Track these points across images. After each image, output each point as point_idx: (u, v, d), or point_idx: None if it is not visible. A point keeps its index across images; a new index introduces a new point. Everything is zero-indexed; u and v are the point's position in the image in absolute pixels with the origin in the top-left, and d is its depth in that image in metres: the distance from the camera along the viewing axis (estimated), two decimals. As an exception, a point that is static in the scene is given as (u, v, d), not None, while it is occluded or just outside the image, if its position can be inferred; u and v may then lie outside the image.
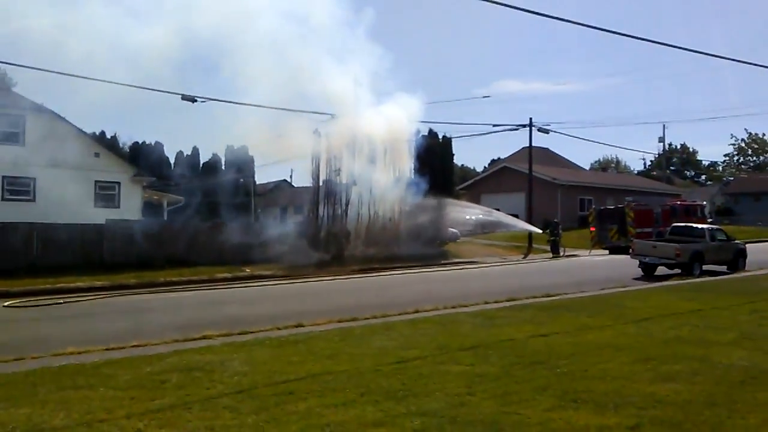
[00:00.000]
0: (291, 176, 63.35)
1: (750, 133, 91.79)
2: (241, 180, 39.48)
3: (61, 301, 17.14)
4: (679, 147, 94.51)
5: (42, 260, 22.42)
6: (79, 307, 16.59)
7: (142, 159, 33.52)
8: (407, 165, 31.84)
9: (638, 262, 22.56)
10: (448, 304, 14.00)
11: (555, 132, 46.53)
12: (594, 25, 12.13)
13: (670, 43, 29.27)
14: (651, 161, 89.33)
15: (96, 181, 29.30)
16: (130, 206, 29.81)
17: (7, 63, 22.22)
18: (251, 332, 10.88)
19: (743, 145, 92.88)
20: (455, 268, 26.87)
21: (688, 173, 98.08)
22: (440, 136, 35.90)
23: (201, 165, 40.90)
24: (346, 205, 29.26)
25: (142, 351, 9.46)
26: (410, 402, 6.48)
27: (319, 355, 8.80)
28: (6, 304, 16.46)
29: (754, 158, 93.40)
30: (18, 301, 17.08)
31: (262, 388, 7.12)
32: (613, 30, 13.05)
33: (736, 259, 23.47)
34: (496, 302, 14.37)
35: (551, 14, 11.12)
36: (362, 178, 30.12)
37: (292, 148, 28.36)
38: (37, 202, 26.64)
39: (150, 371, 7.99)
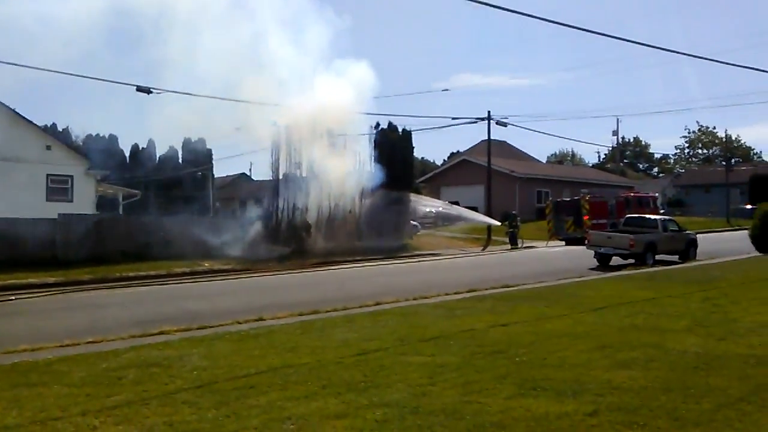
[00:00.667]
0: (250, 169, 62.80)
1: (701, 126, 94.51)
2: (199, 173, 38.89)
3: (12, 298, 16.66)
4: (632, 140, 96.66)
5: (-9, 256, 21.72)
6: (31, 303, 16.15)
7: (96, 152, 32.69)
8: (367, 157, 31.81)
9: (594, 253, 23.00)
10: (409, 296, 14.05)
11: (513, 125, 47.08)
12: (551, 19, 12.28)
13: (625, 38, 29.93)
14: (605, 154, 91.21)
15: (48, 175, 28.50)
16: (84, 200, 29.07)
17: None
18: (211, 327, 10.73)
19: (694, 137, 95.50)
20: (416, 261, 27.00)
21: (640, 166, 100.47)
22: (400, 129, 35.90)
23: (157, 158, 40.08)
24: (306, 198, 29.08)
25: (97, 347, 9.25)
26: (372, 393, 6.48)
27: (281, 349, 8.73)
28: (-47, 301, 15.92)
29: (705, 151, 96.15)
30: (-34, 298, 16.53)
31: (222, 382, 7.03)
32: (570, 24, 13.24)
33: (688, 249, 24.12)
34: (456, 293, 14.48)
35: (509, 7, 11.21)
36: (322, 170, 29.99)
37: (250, 141, 28.03)
38: (-15, 196, 25.80)
39: (106, 367, 7.82)
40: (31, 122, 28.88)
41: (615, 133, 70.38)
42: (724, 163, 63.47)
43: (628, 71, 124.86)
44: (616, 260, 22.52)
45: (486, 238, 35.38)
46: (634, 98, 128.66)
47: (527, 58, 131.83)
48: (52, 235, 23.47)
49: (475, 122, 39.42)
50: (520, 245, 32.57)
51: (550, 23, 12.37)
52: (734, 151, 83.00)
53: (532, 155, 68.49)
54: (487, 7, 10.98)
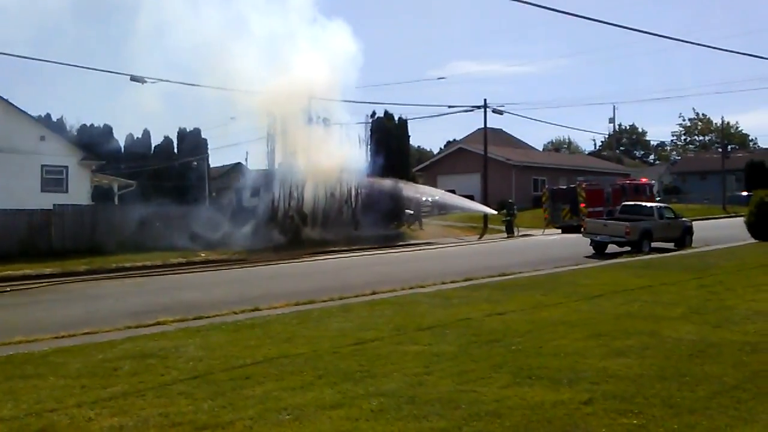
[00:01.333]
0: (246, 159, 62.61)
1: (698, 113, 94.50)
2: (195, 163, 38.75)
3: (8, 289, 16.62)
4: (628, 127, 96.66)
5: (-14, 247, 21.66)
6: (26, 294, 16.12)
7: (91, 142, 32.55)
8: (363, 146, 31.76)
9: (590, 241, 23.02)
10: (406, 285, 14.05)
11: (509, 113, 47.08)
12: (547, 6, 12.21)
13: (622, 24, 29.72)
14: (602, 142, 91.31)
15: (42, 166, 28.40)
16: (79, 191, 29.00)
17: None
18: (206, 317, 10.73)
19: (690, 124, 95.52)
20: (412, 250, 27.00)
21: (637, 153, 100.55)
22: (396, 118, 35.93)
23: (153, 148, 39.90)
24: (302, 187, 29.04)
25: (93, 338, 9.24)
26: (368, 383, 6.48)
27: (277, 339, 8.73)
28: (-51, 293, 15.89)
29: (701, 138, 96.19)
30: (-39, 290, 16.49)
31: (218, 373, 7.03)
32: (566, 11, 13.19)
33: (684, 237, 24.15)
34: (453, 282, 14.48)
35: (505, -6, 11.15)
36: (317, 159, 29.93)
37: (245, 131, 27.92)
38: (-20, 187, 25.68)
39: (102, 359, 7.81)
40: (25, 113, 28.73)
41: (611, 120, 70.12)
42: (720, 149, 63.51)
43: (624, 58, 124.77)
44: (612, 248, 22.54)
45: (482, 226, 35.39)
46: (630, 85, 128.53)
47: (523, 46, 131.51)
48: (47, 226, 23.42)
49: (472, 110, 39.36)
50: (516, 233, 32.59)
51: (547, 10, 12.31)
52: (731, 137, 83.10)
53: (528, 143, 68.50)
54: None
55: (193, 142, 38.98)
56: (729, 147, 70.76)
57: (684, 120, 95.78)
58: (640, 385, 6.24)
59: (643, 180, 40.41)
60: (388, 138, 32.36)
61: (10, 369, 7.46)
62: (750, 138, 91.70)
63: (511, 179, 47.67)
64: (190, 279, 18.89)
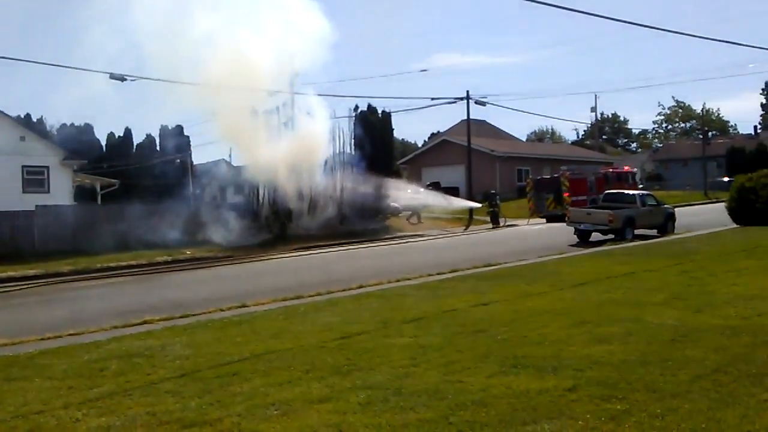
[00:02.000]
0: (230, 155, 62.38)
1: (677, 101, 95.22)
2: (178, 160, 38.54)
3: (-9, 292, 16.48)
4: (610, 116, 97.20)
5: (-32, 250, 21.44)
6: (10, 297, 16.00)
7: (72, 141, 32.27)
8: (347, 140, 31.73)
9: (574, 230, 23.20)
10: (392, 278, 14.10)
11: (492, 104, 47.22)
12: (526, -4, 12.23)
13: (602, 15, 29.92)
14: (584, 131, 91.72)
15: (23, 166, 28.11)
16: (61, 191, 28.76)
17: None
18: (193, 315, 10.73)
19: (671, 112, 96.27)
20: (399, 243, 27.06)
21: (619, 141, 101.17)
22: (379, 111, 35.92)
23: (134, 146, 39.64)
24: (287, 182, 28.93)
25: (79, 339, 9.21)
26: (355, 376, 6.52)
27: (264, 335, 8.75)
28: (-69, 297, 15.72)
29: (682, 125, 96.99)
30: (-56, 294, 16.33)
31: (205, 370, 7.04)
32: (546, 2, 13.25)
33: (666, 223, 24.39)
34: (438, 274, 14.56)
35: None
36: (301, 154, 29.84)
37: (229, 127, 27.73)
38: (-40, 189, 25.41)
39: (88, 359, 7.79)
40: (3, 113, 28.41)
41: (593, 109, 70.54)
42: (701, 136, 64.08)
43: (605, 48, 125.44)
44: (596, 236, 22.73)
45: (468, 217, 35.48)
46: (612, 75, 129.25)
47: (505, 37, 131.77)
48: (30, 227, 23.21)
49: (454, 102, 39.52)
50: (502, 224, 32.71)
51: (527, 2, 12.35)
52: (711, 124, 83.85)
53: (511, 134, 68.68)
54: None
55: (175, 140, 38.76)
56: (710, 133, 71.41)
57: (664, 108, 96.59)
58: (623, 371, 6.33)
59: (626, 168, 40.72)
60: (372, 131, 32.40)
61: (-5, 372, 7.42)
62: (730, 124, 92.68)
63: (496, 170, 47.83)
64: (176, 277, 18.83)
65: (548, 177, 37.27)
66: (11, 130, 28.14)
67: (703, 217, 29.40)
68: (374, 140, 31.85)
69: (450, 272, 14.79)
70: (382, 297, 11.64)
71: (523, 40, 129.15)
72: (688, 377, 6.10)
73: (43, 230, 23.34)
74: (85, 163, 31.67)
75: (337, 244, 26.19)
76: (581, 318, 8.90)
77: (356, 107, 33.68)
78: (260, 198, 28.11)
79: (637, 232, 22.81)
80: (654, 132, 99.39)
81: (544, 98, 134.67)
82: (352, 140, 31.98)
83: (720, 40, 61.46)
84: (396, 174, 38.41)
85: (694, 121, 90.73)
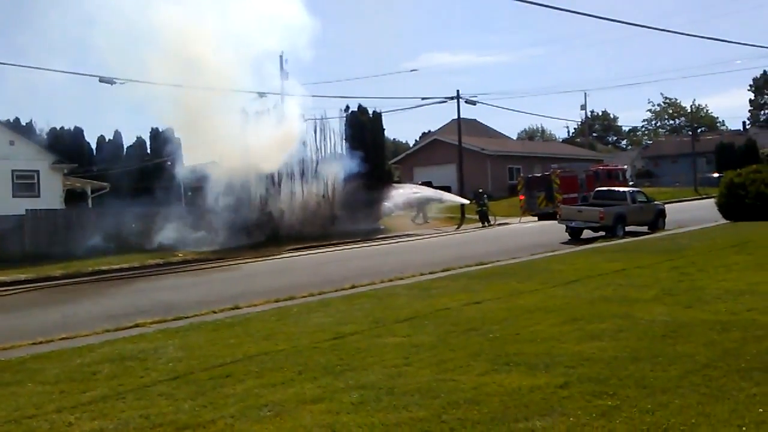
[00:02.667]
0: (221, 157, 61.94)
1: (666, 98, 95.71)
2: (169, 163, 38.34)
3: (-18, 298, 16.39)
4: (600, 114, 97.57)
5: (-42, 256, 21.32)
6: (2, 302, 15.91)
7: (62, 145, 32.07)
8: (338, 141, 31.74)
9: (565, 227, 23.29)
10: (385, 278, 14.13)
11: (482, 103, 47.16)
12: (514, -4, 12.29)
13: (591, 13, 30.07)
14: (574, 128, 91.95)
15: (13, 171, 27.93)
16: (52, 195, 28.60)
17: None
18: (186, 317, 10.70)
19: (660, 109, 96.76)
20: (391, 243, 27.08)
21: (609, 139, 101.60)
22: (370, 111, 35.87)
23: (125, 149, 39.37)
24: (279, 184, 28.93)
25: (71, 343, 9.17)
26: (348, 376, 6.54)
27: (256, 336, 8.75)
28: None
29: (671, 122, 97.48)
30: (-66, 300, 16.23)
31: (198, 373, 7.04)
32: (536, 2, 13.31)
33: (656, 220, 24.52)
34: (431, 273, 14.58)
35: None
36: (294, 156, 29.84)
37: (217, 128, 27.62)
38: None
39: (80, 363, 7.77)
40: (-8, 118, 28.26)
41: (583, 107, 70.95)
42: (690, 133, 64.43)
43: (594, 46, 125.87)
44: (587, 233, 22.82)
45: (460, 216, 35.56)
46: (601, 73, 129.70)
47: (495, 36, 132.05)
48: (20, 231, 23.10)
49: (445, 102, 39.46)
50: (493, 222, 32.76)
51: (516, 1, 12.40)
52: (700, 120, 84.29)
53: (502, 132, 68.85)
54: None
55: (166, 142, 38.52)
56: (699, 130, 71.79)
57: (653, 105, 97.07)
58: (615, 367, 6.37)
59: (616, 165, 40.90)
60: (363, 132, 32.32)
61: (-13, 377, 7.39)
62: (719, 120, 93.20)
63: (487, 168, 47.93)
64: (168, 280, 18.78)
65: (539, 175, 37.40)
66: (0, 135, 27.98)
67: (693, 213, 29.55)
68: (365, 140, 31.79)
69: (442, 271, 14.83)
70: (374, 297, 11.66)
71: (513, 39, 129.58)
72: (679, 373, 6.14)
73: (33, 234, 23.24)
74: (75, 167, 31.49)
75: (330, 245, 26.19)
76: (573, 315, 8.95)
77: (347, 107, 33.59)
78: (252, 199, 28.05)
79: (627, 228, 22.93)
80: (644, 129, 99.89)
81: (535, 97, 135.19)
82: (343, 140, 31.95)
83: (707, 38, 61.98)
84: (388, 174, 38.36)
85: (684, 118, 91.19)
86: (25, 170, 28.37)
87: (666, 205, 26.61)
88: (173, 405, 5.95)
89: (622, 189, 27.07)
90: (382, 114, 34.82)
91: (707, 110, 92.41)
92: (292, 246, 25.73)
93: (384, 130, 35.87)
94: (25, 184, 28.34)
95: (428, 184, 45.39)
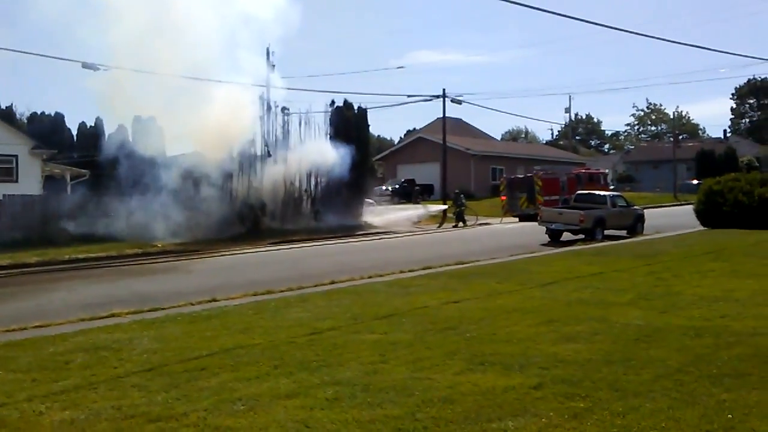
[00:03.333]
0: (204, 148, 61.53)
1: (650, 104, 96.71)
2: (149, 151, 37.92)
3: (-45, 283, 16.15)
4: (584, 117, 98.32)
5: (-68, 239, 20.98)
6: (-25, 288, 15.67)
7: (42, 130, 31.67)
8: (322, 135, 31.62)
9: (545, 229, 23.43)
10: (364, 274, 14.09)
11: (468, 103, 47.18)
12: (502, -3, 12.33)
13: (578, 17, 30.31)
14: (558, 131, 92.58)
15: (-10, 155, 27.58)
16: (30, 181, 28.25)
17: None
18: (162, 309, 10.60)
19: (643, 115, 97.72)
20: (372, 239, 27.07)
21: (592, 142, 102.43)
22: (356, 107, 35.79)
23: (106, 136, 38.96)
24: (261, 176, 28.77)
25: (44, 332, 9.06)
26: (324, 372, 6.53)
27: (233, 330, 8.70)
28: None
29: (653, 127, 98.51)
30: None
31: (173, 365, 6.99)
32: (523, 3, 13.36)
33: (636, 224, 24.76)
34: (411, 271, 14.59)
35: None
36: (277, 148, 29.70)
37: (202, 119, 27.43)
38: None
39: (53, 352, 7.69)
40: (-30, 100, 27.83)
41: (567, 110, 71.28)
42: (672, 139, 65.11)
43: (580, 49, 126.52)
44: (567, 236, 22.98)
45: (441, 215, 35.59)
46: (586, 76, 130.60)
47: (482, 36, 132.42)
48: (-4, 217, 22.76)
49: (431, 100, 39.51)
50: (472, 222, 32.77)
51: (504, 2, 12.45)
52: (682, 127, 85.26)
53: (487, 133, 69.10)
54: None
55: (147, 131, 38.14)
56: (680, 136, 72.58)
57: (637, 110, 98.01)
58: (588, 370, 6.43)
59: (598, 169, 41.23)
60: (348, 127, 32.23)
61: (-43, 364, 7.29)
62: (700, 128, 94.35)
63: (470, 168, 48.09)
64: (146, 270, 18.61)
65: (522, 176, 37.57)
66: (-22, 118, 27.61)
67: (671, 219, 29.87)
68: (350, 136, 31.70)
69: (422, 269, 14.85)
70: (353, 293, 11.64)
71: (500, 39, 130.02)
72: (651, 377, 6.22)
73: (10, 220, 22.92)
74: (55, 153, 31.12)
75: (312, 240, 26.12)
76: (549, 317, 9.02)
77: (332, 102, 33.48)
78: (234, 191, 27.88)
79: (607, 232, 23.12)
80: (626, 134, 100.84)
81: (520, 98, 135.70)
82: (328, 135, 31.83)
83: (692, 45, 62.61)
84: (371, 170, 38.36)
85: (665, 124, 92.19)
86: (4, 155, 28.01)
87: (645, 210, 26.88)
88: (146, 397, 5.91)
89: (602, 193, 27.30)
90: (368, 110, 34.73)
91: (689, 117, 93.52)
92: (273, 239, 25.62)
93: (369, 126, 35.81)
94: (2, 168, 28.01)
95: (411, 182, 45.53)
